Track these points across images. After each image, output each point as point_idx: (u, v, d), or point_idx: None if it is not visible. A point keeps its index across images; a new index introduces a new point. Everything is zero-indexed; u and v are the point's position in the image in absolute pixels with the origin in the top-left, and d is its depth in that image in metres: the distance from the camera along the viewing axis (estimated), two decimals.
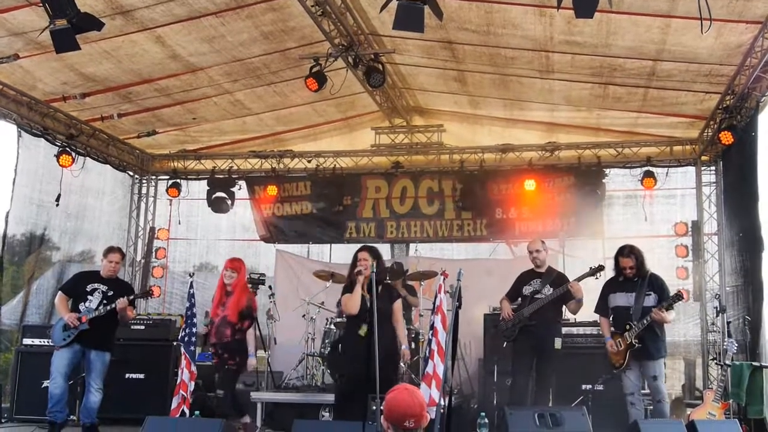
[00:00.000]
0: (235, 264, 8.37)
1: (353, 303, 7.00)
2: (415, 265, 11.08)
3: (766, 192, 9.08)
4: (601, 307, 7.90)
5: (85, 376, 8.00)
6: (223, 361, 8.12)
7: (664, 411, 7.44)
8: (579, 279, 7.87)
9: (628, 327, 7.46)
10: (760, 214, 9.25)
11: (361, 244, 7.89)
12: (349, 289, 7.20)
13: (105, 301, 7.93)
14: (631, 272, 7.68)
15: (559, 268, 9.55)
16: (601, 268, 7.88)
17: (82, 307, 7.91)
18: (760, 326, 9.12)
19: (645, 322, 7.36)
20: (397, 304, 7.14)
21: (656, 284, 7.63)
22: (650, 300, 7.51)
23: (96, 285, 8.05)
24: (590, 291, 7.99)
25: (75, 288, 8.13)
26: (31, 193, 10.72)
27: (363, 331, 6.85)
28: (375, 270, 6.38)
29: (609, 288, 7.86)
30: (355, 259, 7.15)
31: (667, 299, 7.44)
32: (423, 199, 12.24)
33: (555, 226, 11.54)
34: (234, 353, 8.10)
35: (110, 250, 8.29)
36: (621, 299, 7.69)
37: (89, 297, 7.97)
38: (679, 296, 7.53)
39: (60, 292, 8.21)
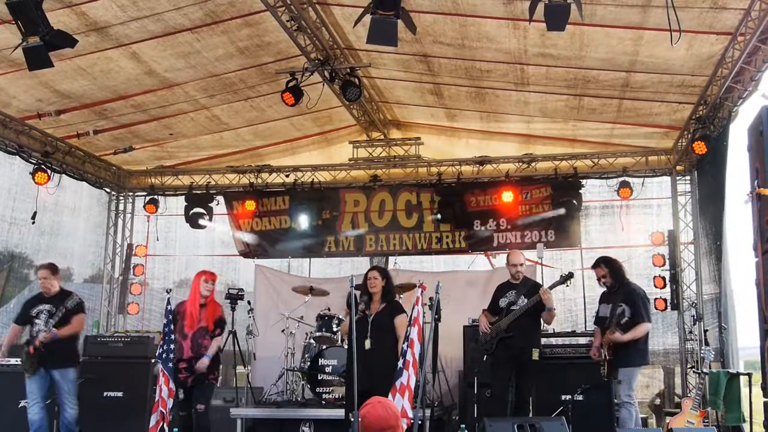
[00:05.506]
0: (214, 276, 8.18)
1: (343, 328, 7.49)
2: (394, 277, 11.05)
3: (737, 201, 9.19)
4: (596, 316, 8.09)
5: (57, 396, 8.03)
6: (201, 377, 7.76)
7: (621, 416, 7.49)
8: (550, 287, 7.82)
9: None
10: (726, 223, 9.37)
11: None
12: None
13: (50, 320, 7.94)
14: (606, 281, 7.79)
15: (537, 279, 9.58)
16: (570, 275, 7.86)
17: (33, 332, 7.96)
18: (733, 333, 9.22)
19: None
20: (399, 319, 7.16)
21: (628, 297, 7.62)
22: (622, 312, 7.55)
23: (40, 307, 8.07)
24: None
25: (23, 316, 8.17)
26: (3, 210, 10.63)
27: (367, 344, 7.04)
28: (353, 285, 6.43)
29: (600, 299, 8.01)
30: (366, 278, 7.44)
31: (635, 315, 7.49)
32: (401, 212, 12.23)
33: (533, 237, 11.58)
34: (212, 367, 7.83)
35: (39, 267, 8.43)
36: (603, 310, 7.81)
37: (35, 321, 8.01)
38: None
39: (12, 323, 8.30)
